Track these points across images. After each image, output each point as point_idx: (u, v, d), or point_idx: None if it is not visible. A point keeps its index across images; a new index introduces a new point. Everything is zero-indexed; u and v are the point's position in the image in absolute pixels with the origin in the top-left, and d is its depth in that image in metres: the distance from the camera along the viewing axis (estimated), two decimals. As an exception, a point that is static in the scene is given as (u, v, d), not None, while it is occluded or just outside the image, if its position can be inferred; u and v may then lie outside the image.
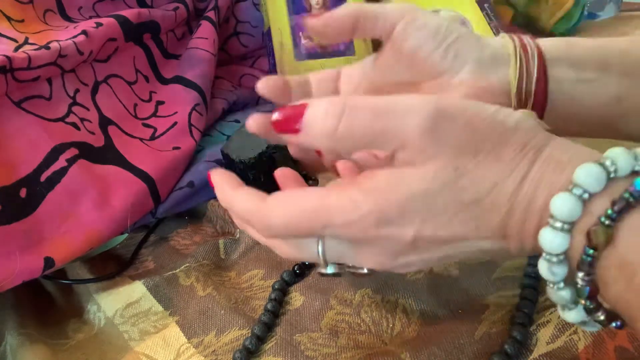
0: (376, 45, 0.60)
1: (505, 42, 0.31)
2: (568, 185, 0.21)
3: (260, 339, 0.34)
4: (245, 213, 0.26)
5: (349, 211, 0.23)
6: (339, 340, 0.33)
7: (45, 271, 0.39)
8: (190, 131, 0.51)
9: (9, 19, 0.48)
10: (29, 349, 0.38)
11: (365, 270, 0.27)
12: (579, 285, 0.21)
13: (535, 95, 0.30)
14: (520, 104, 0.30)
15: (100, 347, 0.39)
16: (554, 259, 0.21)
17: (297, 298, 0.37)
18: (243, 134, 0.48)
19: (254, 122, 0.29)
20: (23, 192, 0.40)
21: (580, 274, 0.21)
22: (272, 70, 0.60)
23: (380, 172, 0.24)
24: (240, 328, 0.35)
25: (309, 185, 0.49)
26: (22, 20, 0.49)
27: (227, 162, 0.48)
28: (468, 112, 0.23)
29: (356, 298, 0.35)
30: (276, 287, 0.37)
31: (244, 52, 0.65)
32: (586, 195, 0.20)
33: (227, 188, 0.27)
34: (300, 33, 0.59)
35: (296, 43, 0.59)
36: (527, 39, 0.31)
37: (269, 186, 0.48)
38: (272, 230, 0.25)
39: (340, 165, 0.32)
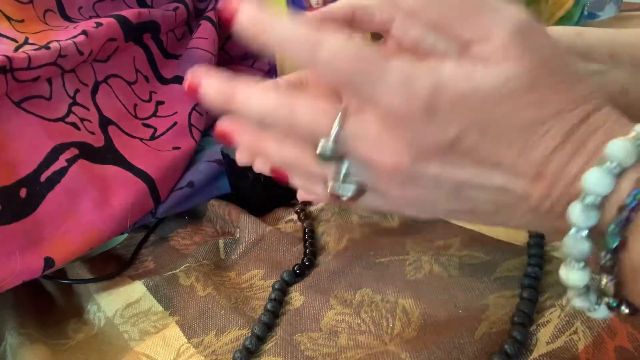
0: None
1: None
2: (628, 134, 0.20)
3: (260, 339, 0.34)
4: (300, 26, 0.22)
5: (405, 78, 0.21)
6: (339, 340, 0.33)
7: (45, 271, 0.39)
8: (190, 131, 0.51)
9: (9, 19, 0.48)
10: (29, 349, 0.38)
11: (352, 192, 0.24)
12: (609, 233, 0.20)
13: None
14: None
15: (100, 347, 0.39)
16: (594, 201, 0.20)
17: (297, 298, 0.37)
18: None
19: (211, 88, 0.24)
20: (23, 192, 0.40)
21: (618, 220, 0.20)
22: (272, 70, 0.60)
23: (450, 59, 0.22)
24: (240, 328, 0.35)
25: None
26: (22, 20, 0.49)
27: (227, 162, 0.48)
28: (555, 39, 0.23)
29: (356, 298, 0.35)
30: (276, 287, 0.37)
31: (244, 52, 0.65)
32: None
33: (268, 14, 0.22)
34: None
35: None
36: None
37: (269, 186, 0.48)
38: (322, 50, 0.21)
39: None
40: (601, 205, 0.21)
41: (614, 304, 0.21)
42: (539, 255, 0.33)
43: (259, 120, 0.24)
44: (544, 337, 0.28)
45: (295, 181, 0.27)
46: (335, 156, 0.23)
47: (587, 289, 0.22)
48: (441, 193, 0.23)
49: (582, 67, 0.23)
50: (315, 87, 0.32)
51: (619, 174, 0.20)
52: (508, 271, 0.34)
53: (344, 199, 0.24)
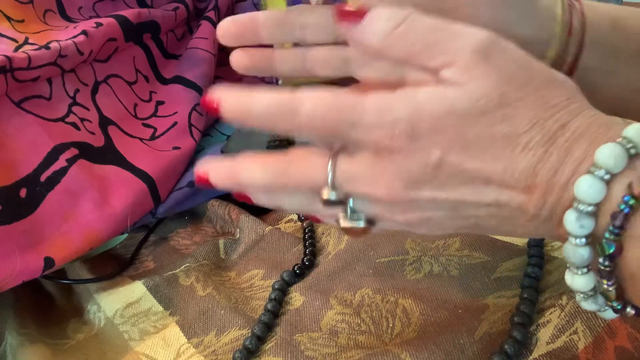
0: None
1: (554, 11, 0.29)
2: (615, 139, 0.21)
3: (260, 339, 0.34)
4: (271, 100, 0.24)
5: (382, 113, 0.22)
6: (339, 340, 0.33)
7: (45, 271, 0.39)
8: (190, 131, 0.51)
9: (9, 19, 0.48)
10: (29, 349, 0.38)
11: (362, 224, 0.25)
12: (604, 241, 0.20)
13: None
14: None
15: (100, 347, 0.39)
16: (587, 209, 0.21)
17: (297, 298, 0.37)
18: (243, 134, 0.48)
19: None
20: (23, 192, 0.40)
21: (611, 227, 0.20)
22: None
23: (422, 86, 0.23)
24: (240, 328, 0.35)
25: None
26: (22, 21, 0.49)
27: (227, 162, 0.48)
28: (521, 51, 0.23)
29: (356, 298, 0.35)
30: (276, 287, 0.37)
31: (244, 52, 0.65)
32: (633, 151, 0.20)
33: (243, 91, 0.24)
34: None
35: (296, 43, 0.59)
36: (577, 15, 0.30)
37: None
38: (300, 116, 0.23)
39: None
40: (595, 212, 0.21)
41: (619, 307, 0.21)
42: (539, 255, 0.33)
43: (267, 191, 0.26)
44: (544, 337, 0.28)
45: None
46: (339, 199, 0.25)
47: (593, 291, 0.22)
48: (442, 213, 0.25)
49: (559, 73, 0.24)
50: None
51: (609, 181, 0.20)
52: (508, 271, 0.34)
53: (357, 231, 0.26)
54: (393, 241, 0.39)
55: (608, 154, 0.20)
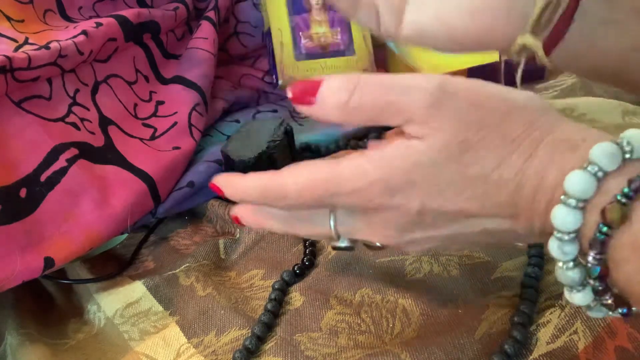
0: (376, 44, 0.60)
1: None
2: (582, 163, 0.21)
3: (260, 339, 0.34)
4: (261, 190, 0.26)
5: (357, 179, 0.24)
6: (339, 340, 0.33)
7: (45, 271, 0.39)
8: (190, 131, 0.51)
9: (9, 19, 0.48)
10: (29, 349, 0.38)
11: (378, 244, 0.28)
12: (589, 265, 0.21)
13: (553, 28, 0.27)
14: (533, 33, 0.27)
15: (100, 347, 0.39)
16: (566, 237, 0.21)
17: (297, 298, 0.37)
18: (243, 134, 0.48)
19: None
20: (23, 192, 0.40)
21: (592, 253, 0.21)
22: (272, 70, 0.60)
23: (388, 144, 0.24)
24: (240, 328, 0.35)
25: None
26: (22, 20, 0.49)
27: (227, 162, 0.48)
28: (473, 89, 0.24)
29: (356, 298, 0.35)
30: (276, 287, 0.37)
31: (244, 52, 0.65)
32: (601, 174, 0.20)
33: (236, 178, 0.28)
34: (300, 33, 0.59)
35: (296, 43, 0.59)
36: None
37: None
38: (288, 199, 0.26)
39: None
40: (576, 237, 0.21)
41: (624, 312, 0.22)
42: (539, 255, 0.33)
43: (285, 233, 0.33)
44: (544, 337, 0.28)
45: None
46: (348, 246, 0.29)
47: (596, 302, 0.22)
48: (440, 244, 0.27)
49: (518, 91, 0.24)
50: None
51: (583, 207, 0.21)
52: (508, 271, 0.34)
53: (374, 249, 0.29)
54: (393, 241, 0.39)
55: (576, 183, 0.21)
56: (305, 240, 0.42)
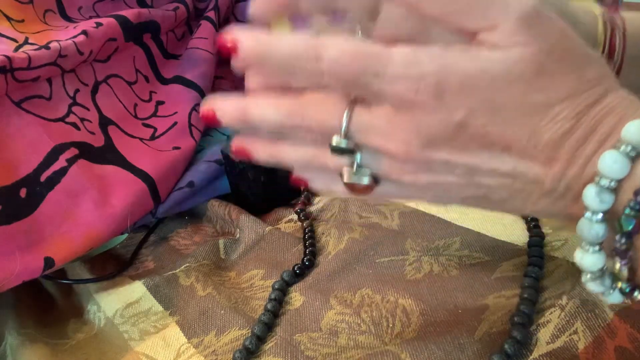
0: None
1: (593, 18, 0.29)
2: None
3: (260, 339, 0.34)
4: (293, 45, 0.22)
5: (408, 65, 0.21)
6: (339, 340, 0.33)
7: (45, 271, 0.39)
8: (190, 131, 0.51)
9: (9, 19, 0.48)
10: (29, 349, 0.38)
11: (366, 180, 0.24)
12: (623, 216, 0.20)
13: None
14: None
15: (100, 347, 0.39)
16: (610, 184, 0.21)
17: (297, 298, 0.37)
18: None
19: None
20: (23, 192, 0.40)
21: (632, 203, 0.20)
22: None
23: (456, 45, 0.22)
24: (240, 328, 0.35)
25: (305, 194, 0.48)
26: (22, 20, 0.49)
27: (227, 162, 0.48)
28: (565, 25, 0.23)
29: (356, 298, 0.35)
30: (276, 287, 0.37)
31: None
32: None
33: (263, 33, 0.23)
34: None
35: None
36: (619, 33, 0.29)
37: (270, 186, 0.48)
38: (322, 62, 0.22)
39: None
40: (616, 188, 0.21)
41: (627, 290, 0.21)
42: (539, 255, 0.33)
43: (276, 129, 0.25)
44: (544, 337, 0.28)
45: (314, 184, 0.27)
46: (348, 148, 0.24)
47: (601, 272, 0.22)
48: (453, 179, 0.24)
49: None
50: None
51: (635, 157, 0.20)
52: (508, 271, 0.34)
53: (360, 188, 0.25)
54: (393, 241, 0.39)
55: (635, 131, 0.20)
56: (305, 240, 0.42)
